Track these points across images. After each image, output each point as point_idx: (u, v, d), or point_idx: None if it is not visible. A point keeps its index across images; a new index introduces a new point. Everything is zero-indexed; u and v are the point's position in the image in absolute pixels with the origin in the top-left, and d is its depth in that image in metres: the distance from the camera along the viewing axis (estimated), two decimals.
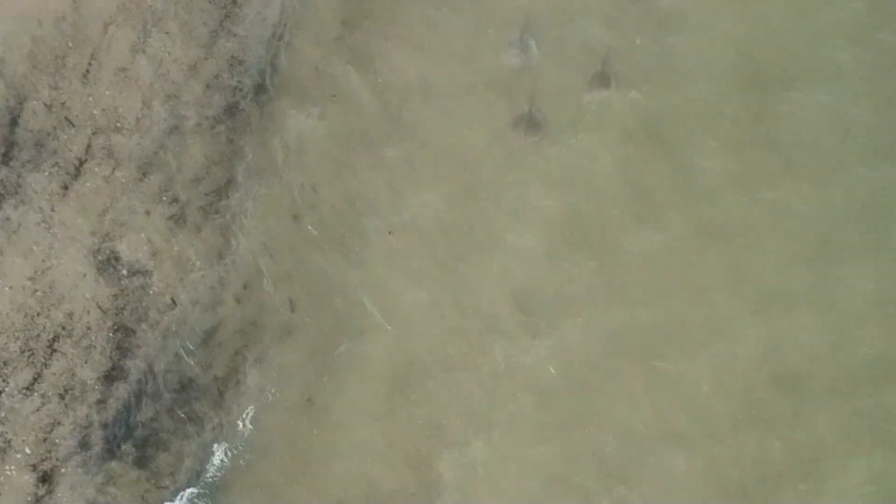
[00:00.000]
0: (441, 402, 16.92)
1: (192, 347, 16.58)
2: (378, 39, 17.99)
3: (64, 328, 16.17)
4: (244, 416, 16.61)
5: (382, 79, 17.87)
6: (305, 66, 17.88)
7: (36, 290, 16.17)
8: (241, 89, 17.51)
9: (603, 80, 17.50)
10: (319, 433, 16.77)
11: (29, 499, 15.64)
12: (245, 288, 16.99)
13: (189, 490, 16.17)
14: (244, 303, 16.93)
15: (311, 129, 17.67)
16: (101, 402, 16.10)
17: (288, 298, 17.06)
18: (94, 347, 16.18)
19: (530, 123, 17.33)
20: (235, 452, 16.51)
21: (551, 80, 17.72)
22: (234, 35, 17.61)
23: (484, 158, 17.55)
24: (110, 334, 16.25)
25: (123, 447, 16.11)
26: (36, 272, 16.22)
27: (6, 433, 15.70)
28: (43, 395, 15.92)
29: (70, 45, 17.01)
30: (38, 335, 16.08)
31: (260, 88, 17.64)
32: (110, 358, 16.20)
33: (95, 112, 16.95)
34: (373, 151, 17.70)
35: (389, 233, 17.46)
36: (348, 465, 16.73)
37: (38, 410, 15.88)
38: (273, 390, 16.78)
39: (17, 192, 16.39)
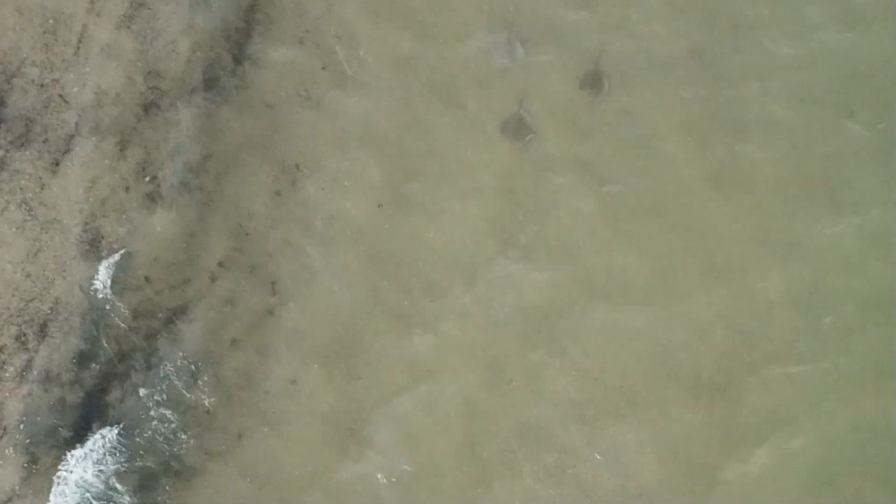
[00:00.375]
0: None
1: (159, 327, 16.21)
2: (365, 19, 17.31)
3: (51, 312, 16.11)
4: (212, 398, 16.08)
5: (371, 55, 17.16)
6: (288, 39, 17.22)
7: (28, 275, 16.19)
8: (220, 63, 17.03)
9: (595, 80, 16.69)
10: (303, 418, 16.02)
11: (8, 486, 15.71)
12: (220, 266, 16.44)
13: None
14: (219, 281, 16.39)
15: (295, 105, 16.99)
16: (74, 384, 15.98)
17: (270, 281, 16.38)
18: (73, 330, 16.08)
19: (519, 125, 16.58)
20: (212, 438, 15.93)
21: (542, 80, 16.86)
22: (215, 8, 17.15)
23: (476, 160, 16.85)
24: (85, 316, 16.13)
25: (94, 430, 15.91)
26: (28, 254, 16.23)
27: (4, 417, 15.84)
28: (34, 381, 15.93)
29: (52, 21, 17.09)
30: (32, 320, 16.08)
31: (240, 61, 17.09)
32: (83, 340, 16.06)
33: (81, 89, 16.89)
34: (359, 128, 16.95)
35: (379, 205, 16.62)
36: (336, 456, 15.93)
37: (29, 395, 15.87)
38: (254, 373, 16.14)
39: (2, 170, 16.50)
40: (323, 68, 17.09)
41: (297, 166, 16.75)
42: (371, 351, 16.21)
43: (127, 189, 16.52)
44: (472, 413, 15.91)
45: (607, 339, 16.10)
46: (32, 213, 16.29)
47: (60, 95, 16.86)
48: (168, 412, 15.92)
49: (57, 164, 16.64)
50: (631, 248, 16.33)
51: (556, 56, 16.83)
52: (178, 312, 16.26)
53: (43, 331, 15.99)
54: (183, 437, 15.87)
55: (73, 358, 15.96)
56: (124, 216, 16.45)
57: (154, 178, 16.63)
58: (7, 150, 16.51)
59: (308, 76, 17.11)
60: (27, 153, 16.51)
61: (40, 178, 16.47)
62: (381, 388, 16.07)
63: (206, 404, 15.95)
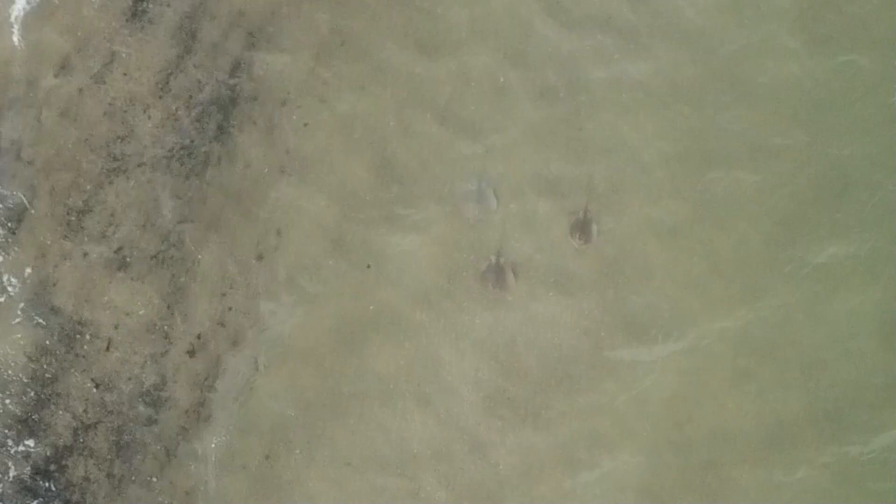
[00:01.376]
0: None
1: (129, 400, 15.29)
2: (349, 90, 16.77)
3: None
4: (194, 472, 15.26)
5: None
6: (273, 102, 16.62)
7: None
8: (201, 127, 16.34)
9: (584, 228, 16.05)
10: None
11: None
12: (199, 338, 15.70)
13: None
14: (198, 354, 15.64)
15: (276, 171, 16.34)
16: (21, 457, 15.06)
17: (254, 358, 15.61)
18: (14, 396, 15.17)
19: (498, 275, 15.87)
20: None
21: (523, 229, 16.20)
22: (194, 72, 16.54)
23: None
24: (31, 382, 15.24)
25: None
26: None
27: None
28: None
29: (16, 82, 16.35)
30: None
31: (222, 127, 16.42)
32: (29, 408, 15.16)
33: (42, 153, 16.11)
34: (342, 192, 16.35)
35: (368, 266, 15.97)
36: None
37: None
38: (233, 449, 15.33)
39: None
40: (305, 124, 16.50)
41: (279, 232, 16.19)
42: (357, 432, 15.54)
43: (85, 255, 15.68)
44: None
45: None
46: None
47: (21, 158, 16.05)
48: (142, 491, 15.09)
49: (13, 232, 15.80)
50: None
51: (535, 203, 16.32)
52: (153, 388, 15.43)
53: None
54: None
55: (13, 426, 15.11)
56: (81, 280, 15.61)
57: (120, 248, 15.82)
58: None
59: (288, 135, 16.51)
60: None
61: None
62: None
63: (185, 481, 15.14)
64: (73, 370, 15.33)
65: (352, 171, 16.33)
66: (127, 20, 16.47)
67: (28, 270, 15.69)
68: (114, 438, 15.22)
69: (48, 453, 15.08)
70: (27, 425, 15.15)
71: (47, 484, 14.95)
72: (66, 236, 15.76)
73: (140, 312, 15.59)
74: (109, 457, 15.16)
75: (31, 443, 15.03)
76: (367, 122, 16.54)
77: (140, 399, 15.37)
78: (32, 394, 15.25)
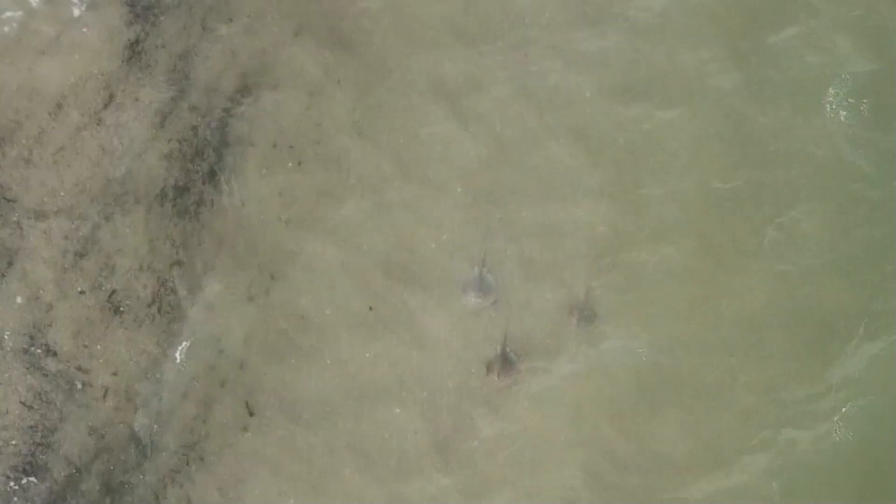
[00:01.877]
0: None
1: (124, 446, 15.07)
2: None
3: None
4: None
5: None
6: (264, 143, 16.61)
7: None
8: (195, 169, 16.29)
9: (585, 313, 15.88)
10: None
11: None
12: (194, 381, 15.59)
13: None
14: (191, 398, 15.55)
15: (269, 215, 16.33)
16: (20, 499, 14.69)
17: (245, 401, 15.53)
18: (9, 445, 14.77)
19: (503, 365, 15.61)
20: None
21: (525, 316, 15.98)
22: (188, 115, 16.48)
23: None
24: (29, 431, 14.85)
25: None
26: None
27: None
28: None
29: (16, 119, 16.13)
30: None
31: (214, 170, 16.37)
32: (26, 456, 14.78)
33: (34, 192, 15.87)
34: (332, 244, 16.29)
35: (370, 308, 15.89)
36: None
37: None
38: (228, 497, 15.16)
39: None
40: (300, 163, 16.52)
41: (272, 276, 16.17)
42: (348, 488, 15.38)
43: (82, 292, 15.48)
44: None
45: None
46: None
47: (4, 197, 15.83)
48: None
49: (3, 275, 15.60)
50: None
51: (536, 289, 16.18)
52: (144, 432, 15.18)
53: None
54: None
55: (10, 474, 14.73)
56: (75, 326, 15.35)
57: (113, 293, 15.68)
58: None
59: (279, 181, 16.49)
60: None
61: None
62: None
63: None
64: (68, 417, 15.12)
65: (350, 211, 16.42)
66: (123, 61, 16.46)
67: (19, 299, 15.45)
68: (104, 482, 15.00)
69: (44, 497, 14.88)
70: (21, 470, 14.93)
71: None
72: (60, 280, 15.58)
73: (134, 360, 15.46)
74: (100, 501, 15.01)
75: (31, 480, 14.81)
76: (363, 163, 16.63)
77: (132, 443, 15.23)
78: (27, 439, 15.05)
